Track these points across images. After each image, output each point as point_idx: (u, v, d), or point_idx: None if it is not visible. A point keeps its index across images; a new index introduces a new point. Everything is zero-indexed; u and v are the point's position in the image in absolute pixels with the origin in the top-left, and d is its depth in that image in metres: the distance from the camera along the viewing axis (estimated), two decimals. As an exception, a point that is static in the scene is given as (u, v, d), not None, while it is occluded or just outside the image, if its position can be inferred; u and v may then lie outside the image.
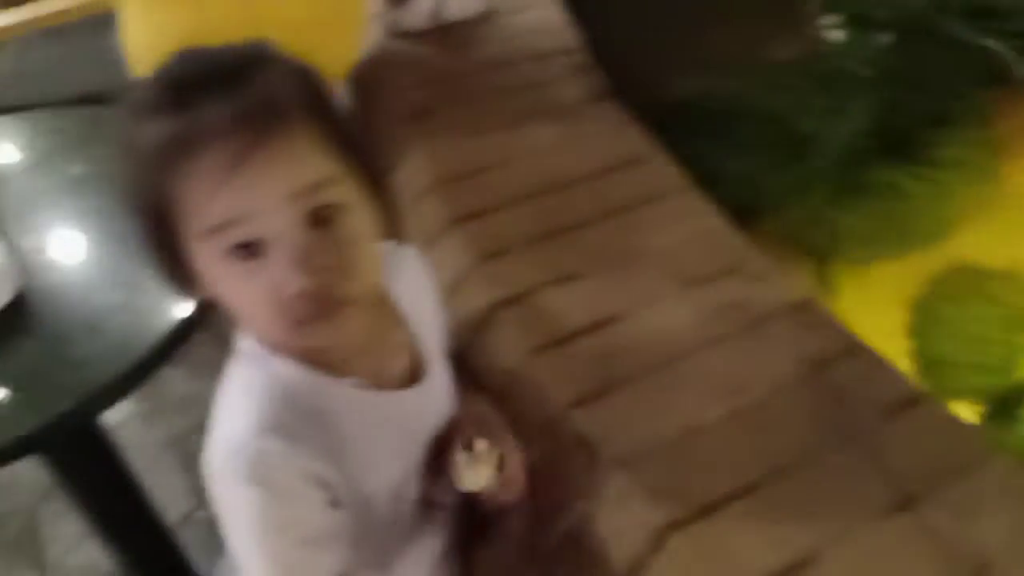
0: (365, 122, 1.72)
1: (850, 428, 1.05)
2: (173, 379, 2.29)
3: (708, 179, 1.36)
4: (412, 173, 1.57)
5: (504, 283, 1.31)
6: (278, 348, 0.92)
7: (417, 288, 1.09)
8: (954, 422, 1.06)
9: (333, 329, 0.87)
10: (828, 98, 1.46)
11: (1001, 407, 1.19)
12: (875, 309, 1.19)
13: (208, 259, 0.84)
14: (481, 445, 1.04)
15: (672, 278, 1.26)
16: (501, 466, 1.05)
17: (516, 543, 1.17)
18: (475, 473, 1.03)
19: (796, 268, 1.26)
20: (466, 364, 1.23)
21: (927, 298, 1.24)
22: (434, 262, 1.17)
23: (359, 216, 0.87)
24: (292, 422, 0.90)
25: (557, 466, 1.14)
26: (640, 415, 1.12)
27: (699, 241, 1.31)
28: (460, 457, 1.03)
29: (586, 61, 1.78)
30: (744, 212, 1.31)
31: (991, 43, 1.44)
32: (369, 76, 1.80)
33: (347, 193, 0.86)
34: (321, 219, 0.83)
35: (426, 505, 1.08)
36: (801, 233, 1.32)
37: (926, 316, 1.23)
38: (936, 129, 1.42)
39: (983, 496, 0.95)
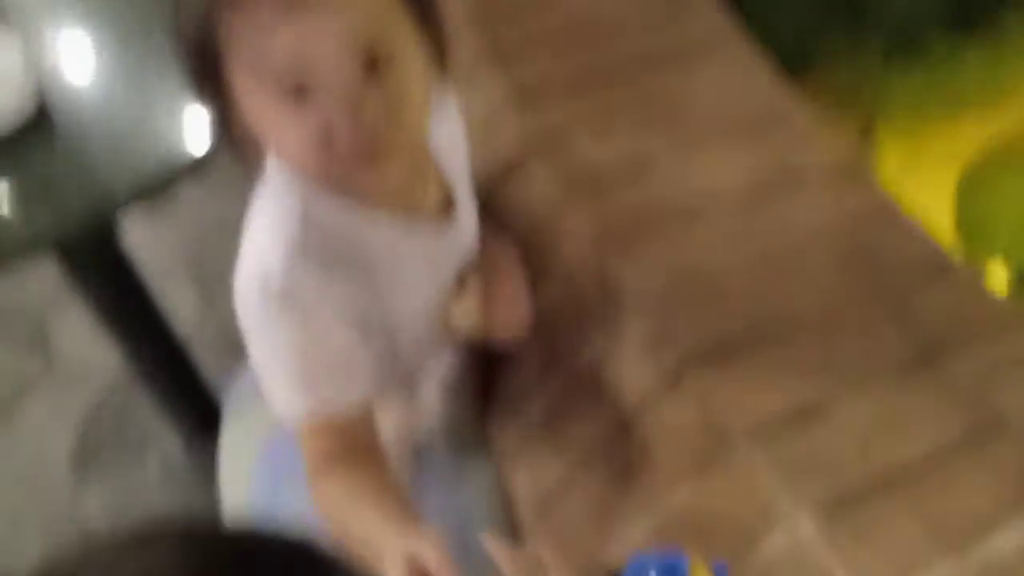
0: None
1: (877, 288, 1.04)
2: (188, 196, 2.27)
3: (758, 34, 1.31)
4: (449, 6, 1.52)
5: (539, 125, 1.28)
6: (311, 180, 0.91)
7: (448, 124, 1.07)
8: (983, 290, 1.06)
9: (377, 175, 0.87)
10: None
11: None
12: (919, 171, 1.16)
13: (255, 99, 0.83)
14: (472, 283, 1.04)
15: (712, 129, 1.23)
16: (486, 305, 1.05)
17: (530, 379, 1.18)
18: (460, 311, 1.04)
19: (842, 127, 1.23)
20: (493, 205, 1.22)
21: (978, 163, 1.20)
22: (467, 99, 1.14)
23: (413, 64, 0.85)
24: (323, 250, 0.90)
25: (577, 307, 1.14)
26: (665, 261, 1.11)
27: (743, 93, 1.27)
28: (449, 295, 1.04)
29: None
30: (792, 69, 1.26)
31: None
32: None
33: (403, 40, 0.84)
34: (375, 66, 0.82)
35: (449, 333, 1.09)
36: (850, 93, 1.28)
37: (975, 180, 1.20)
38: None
39: (1005, 362, 0.95)
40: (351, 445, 0.92)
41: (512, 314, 1.10)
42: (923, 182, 1.12)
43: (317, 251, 0.89)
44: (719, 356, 1.00)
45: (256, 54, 0.80)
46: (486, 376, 1.22)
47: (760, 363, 0.99)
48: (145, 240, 2.17)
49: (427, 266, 1.01)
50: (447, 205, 1.03)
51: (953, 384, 0.93)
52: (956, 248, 1.08)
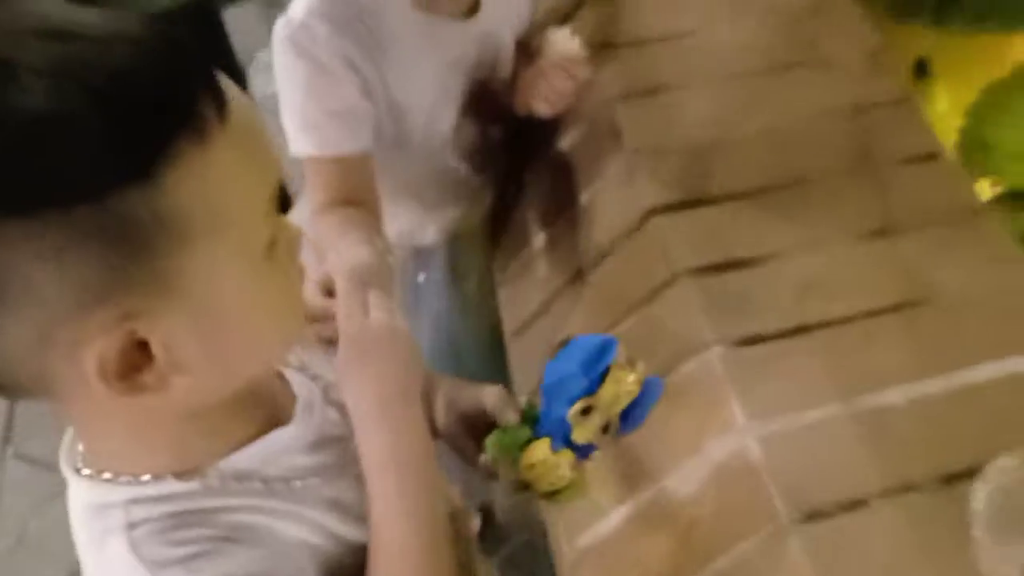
0: None
1: (867, 167, 1.06)
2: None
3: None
4: None
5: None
6: None
7: None
8: (962, 184, 1.09)
9: None
10: None
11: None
12: (955, 83, 1.14)
13: None
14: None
15: (754, 7, 1.25)
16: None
17: (537, 215, 1.25)
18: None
19: (897, 30, 1.20)
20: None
21: (1001, 83, 1.19)
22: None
23: None
24: (342, 15, 1.04)
25: (590, 152, 1.20)
26: (676, 118, 1.16)
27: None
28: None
29: None
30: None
31: None
32: None
33: None
34: None
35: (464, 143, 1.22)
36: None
37: (991, 99, 1.18)
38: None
39: (957, 247, 0.97)
40: (348, 195, 1.06)
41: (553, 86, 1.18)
42: (951, 94, 1.11)
43: (338, 14, 1.03)
44: (694, 204, 1.05)
45: None
46: (500, 209, 1.31)
47: (732, 212, 1.04)
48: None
49: (440, 58, 1.12)
50: (475, 6, 1.13)
51: (899, 257, 0.96)
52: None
